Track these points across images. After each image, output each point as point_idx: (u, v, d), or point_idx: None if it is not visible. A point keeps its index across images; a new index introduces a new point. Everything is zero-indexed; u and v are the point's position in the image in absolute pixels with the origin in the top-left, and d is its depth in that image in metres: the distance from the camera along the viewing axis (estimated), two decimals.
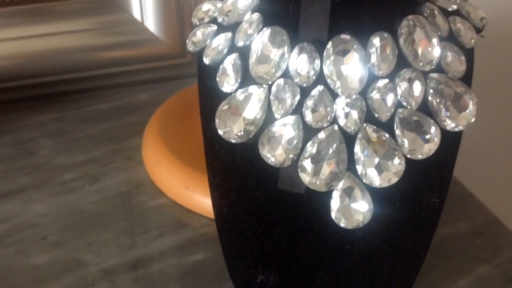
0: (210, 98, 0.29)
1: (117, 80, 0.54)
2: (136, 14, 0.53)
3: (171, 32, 0.53)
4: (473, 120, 0.27)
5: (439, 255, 0.38)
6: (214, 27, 0.30)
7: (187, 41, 0.31)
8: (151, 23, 0.53)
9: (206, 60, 0.29)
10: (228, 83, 0.28)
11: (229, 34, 0.29)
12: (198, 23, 0.31)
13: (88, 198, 0.43)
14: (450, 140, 0.28)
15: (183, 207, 0.42)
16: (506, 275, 0.37)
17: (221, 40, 0.29)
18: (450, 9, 0.29)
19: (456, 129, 0.27)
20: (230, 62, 0.28)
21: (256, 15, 0.28)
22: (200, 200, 0.41)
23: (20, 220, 0.41)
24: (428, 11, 0.27)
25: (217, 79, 0.29)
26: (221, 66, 0.29)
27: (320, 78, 0.27)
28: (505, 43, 0.61)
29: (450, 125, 0.27)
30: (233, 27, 0.29)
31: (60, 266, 0.37)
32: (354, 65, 0.26)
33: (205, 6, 0.31)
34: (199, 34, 0.31)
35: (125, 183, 0.44)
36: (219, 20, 0.30)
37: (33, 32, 0.51)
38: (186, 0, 0.52)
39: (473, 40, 0.29)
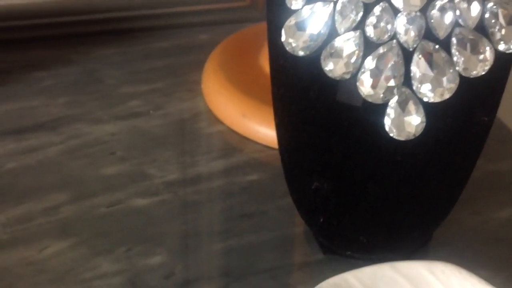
0: (277, 15, 0.31)
1: (178, 20, 0.57)
2: None
3: None
4: None
5: (483, 188, 0.40)
6: None
7: None
8: None
9: None
10: (295, 0, 0.30)
11: None
12: None
13: (152, 122, 0.46)
14: (503, 61, 0.29)
15: (239, 134, 0.45)
16: None
17: None
18: None
19: (509, 51, 0.29)
20: None
21: None
22: (256, 128, 0.44)
23: (90, 137, 0.44)
24: None
25: None
26: None
27: None
28: None
29: (503, 46, 0.29)
30: None
31: (127, 177, 0.41)
32: None
33: None
34: None
35: (186, 111, 0.47)
36: None
37: None
38: None
39: None
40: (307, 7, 0.30)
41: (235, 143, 0.44)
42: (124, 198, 0.39)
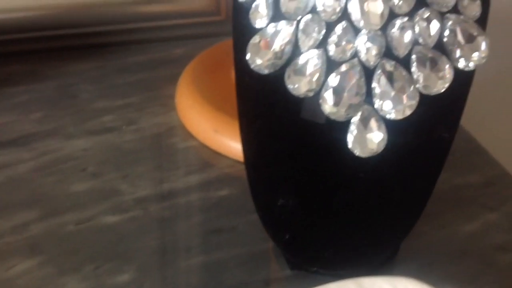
0: (243, 33, 0.32)
1: (154, 34, 0.57)
2: None
3: None
4: (484, 60, 0.29)
5: (449, 202, 0.41)
6: None
7: None
8: None
9: None
10: (260, 19, 0.31)
11: None
12: None
13: (125, 137, 0.46)
14: (463, 79, 0.30)
15: (212, 149, 0.45)
16: None
17: None
18: None
19: (468, 68, 0.29)
20: (263, 0, 0.31)
21: None
22: (228, 143, 0.44)
23: (62, 153, 0.44)
24: None
25: (250, 15, 0.31)
26: (254, 4, 0.31)
27: (345, 14, 0.29)
28: None
29: (462, 64, 0.29)
30: None
31: (97, 194, 0.41)
32: (376, 3, 0.28)
33: None
34: None
35: (159, 126, 0.47)
36: None
37: None
38: None
39: None
40: (271, 25, 0.30)
41: (207, 158, 0.45)
42: (94, 215, 0.39)
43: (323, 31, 0.29)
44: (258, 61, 0.30)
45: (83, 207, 0.40)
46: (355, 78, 0.29)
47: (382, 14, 0.28)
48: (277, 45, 0.30)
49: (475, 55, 0.29)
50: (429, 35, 0.29)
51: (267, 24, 0.31)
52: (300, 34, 0.30)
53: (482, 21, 0.30)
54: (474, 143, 0.46)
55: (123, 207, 0.40)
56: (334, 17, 0.29)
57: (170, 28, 0.57)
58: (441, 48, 0.29)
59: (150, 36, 0.57)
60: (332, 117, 0.29)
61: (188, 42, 0.57)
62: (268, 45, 0.30)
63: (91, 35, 0.55)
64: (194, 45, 0.57)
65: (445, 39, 0.29)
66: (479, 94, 0.65)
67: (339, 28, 0.29)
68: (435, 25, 0.29)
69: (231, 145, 0.44)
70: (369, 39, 0.29)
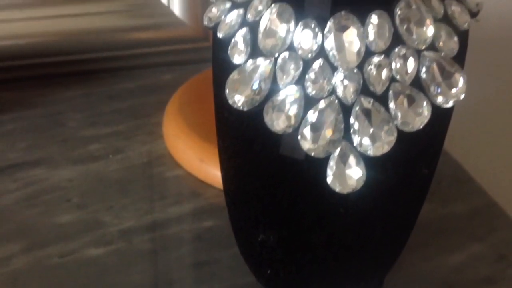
0: (222, 69, 0.32)
1: (142, 61, 0.57)
2: None
3: (195, 16, 0.56)
4: (462, 97, 0.29)
5: (435, 232, 0.40)
6: (228, 4, 0.33)
7: (204, 16, 0.34)
8: (177, 8, 0.56)
9: (220, 34, 0.32)
10: (238, 55, 0.31)
11: (241, 10, 0.32)
12: (214, 0, 0.34)
13: (111, 166, 0.46)
14: (441, 115, 0.30)
15: (198, 178, 0.45)
16: (499, 253, 0.39)
17: (234, 16, 0.32)
18: None
19: (446, 105, 0.29)
20: (241, 36, 0.31)
21: None
22: (213, 172, 0.44)
23: (47, 183, 0.44)
24: None
25: (228, 51, 0.31)
26: (232, 40, 0.31)
27: (322, 52, 0.29)
28: (500, 27, 0.63)
29: (440, 100, 0.29)
30: (245, 4, 0.32)
31: (81, 225, 0.41)
32: (352, 41, 0.28)
33: None
34: (214, 10, 0.33)
35: (146, 155, 0.47)
36: None
37: (66, 12, 0.54)
38: None
39: (467, 23, 0.31)
40: (250, 61, 0.30)
41: (193, 188, 0.44)
42: (78, 247, 0.39)
43: (301, 68, 0.29)
44: (237, 97, 0.30)
45: (67, 239, 0.39)
46: (333, 115, 0.29)
47: (358, 52, 0.28)
48: (255, 82, 0.30)
49: (453, 92, 0.29)
50: (406, 72, 0.29)
51: (246, 60, 0.31)
52: (277, 71, 0.30)
53: (460, 58, 0.30)
54: (461, 171, 0.46)
55: (107, 239, 0.39)
56: (311, 55, 0.29)
57: (158, 54, 0.57)
58: (419, 85, 0.29)
59: (139, 62, 0.57)
60: (311, 153, 0.29)
61: (176, 68, 0.58)
62: (247, 81, 0.30)
63: (79, 62, 0.55)
64: (182, 71, 0.57)
65: (422, 76, 0.29)
66: (467, 122, 0.65)
67: (316, 65, 0.29)
68: (411, 63, 0.29)
69: (217, 174, 0.43)
70: (346, 77, 0.29)
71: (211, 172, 0.44)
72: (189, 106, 0.49)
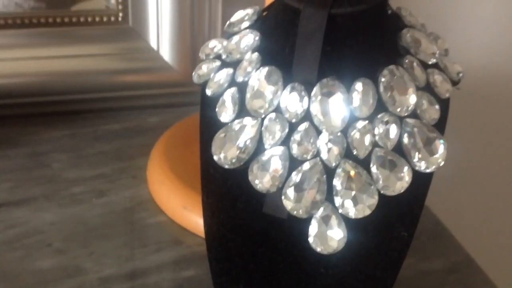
0: (209, 126, 0.32)
1: (130, 103, 0.58)
2: (153, 43, 0.56)
3: (183, 61, 0.57)
4: (442, 163, 0.30)
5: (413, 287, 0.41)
6: (218, 63, 0.34)
7: (193, 73, 0.34)
8: (166, 52, 0.56)
9: (208, 92, 0.33)
10: (226, 113, 0.32)
11: (230, 70, 0.32)
12: (204, 58, 0.35)
13: (94, 210, 0.46)
14: (421, 180, 0.31)
15: (180, 225, 0.45)
16: None
17: (223, 75, 0.33)
18: (429, 62, 0.32)
19: (427, 171, 0.30)
20: (229, 95, 0.32)
21: (255, 55, 0.31)
22: (196, 220, 0.44)
23: (29, 226, 0.44)
24: (407, 62, 0.31)
25: (216, 109, 0.32)
26: (221, 98, 0.32)
27: (307, 115, 0.30)
28: (480, 95, 0.65)
29: (421, 166, 0.30)
30: (235, 64, 0.32)
31: (61, 271, 0.40)
32: (337, 106, 0.29)
33: (212, 43, 0.35)
34: (204, 68, 0.34)
35: (129, 200, 0.47)
36: (223, 57, 0.33)
37: (56, 53, 0.55)
38: (200, 33, 0.56)
39: (448, 92, 0.32)
40: (237, 121, 0.31)
41: (175, 235, 0.45)
42: None
43: (286, 130, 0.30)
44: (222, 155, 0.31)
45: (46, 286, 0.39)
46: (317, 177, 0.30)
47: (343, 117, 0.29)
48: (241, 141, 0.31)
49: (433, 158, 0.30)
50: (389, 138, 0.30)
51: (233, 119, 0.31)
52: (264, 132, 0.30)
53: (440, 124, 0.31)
54: (440, 226, 0.46)
55: (87, 287, 0.39)
56: (297, 118, 0.30)
57: (145, 97, 0.58)
58: (401, 150, 0.30)
59: (125, 104, 0.57)
60: (294, 213, 0.30)
61: (163, 111, 0.58)
62: (233, 140, 0.31)
63: (66, 102, 0.56)
64: (169, 114, 0.57)
65: (404, 142, 0.30)
66: (447, 179, 0.67)
67: (302, 128, 0.30)
68: (394, 129, 0.30)
69: (200, 222, 0.43)
70: (330, 140, 0.30)
71: (193, 219, 0.44)
72: (174, 151, 0.49)
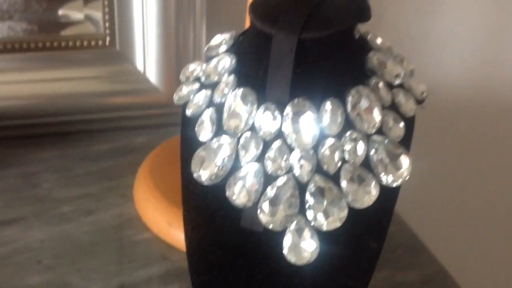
0: (189, 145, 0.34)
1: (117, 124, 0.59)
2: (139, 66, 0.58)
3: (169, 83, 0.59)
4: (407, 177, 0.32)
5: None
6: (197, 85, 0.36)
7: (174, 95, 0.36)
8: (152, 75, 0.58)
9: (188, 112, 0.35)
10: (204, 133, 0.33)
11: (208, 92, 0.34)
12: (184, 80, 0.37)
13: (82, 228, 0.47)
14: (388, 193, 0.32)
15: (166, 242, 0.47)
16: None
17: (202, 97, 0.34)
18: (395, 83, 0.34)
19: (393, 185, 0.32)
20: (207, 116, 0.33)
21: (231, 77, 0.33)
22: (181, 236, 0.45)
23: (19, 244, 0.46)
24: (373, 83, 0.33)
25: (195, 129, 0.34)
26: (200, 118, 0.34)
27: (280, 133, 0.32)
28: (443, 113, 0.68)
29: (387, 180, 0.32)
30: (213, 86, 0.34)
31: (51, 287, 0.42)
32: (308, 125, 0.31)
33: (192, 67, 0.37)
34: (184, 90, 0.36)
35: (116, 218, 0.49)
36: (202, 79, 0.35)
37: (46, 76, 0.57)
38: (185, 56, 0.58)
39: (412, 110, 0.34)
40: (215, 139, 0.33)
41: (160, 251, 0.46)
42: None
43: (261, 148, 0.32)
44: (201, 172, 0.33)
45: None
46: (290, 191, 0.32)
47: (313, 135, 0.31)
48: (219, 159, 0.32)
49: (399, 173, 0.32)
50: (356, 154, 0.32)
51: (211, 138, 0.33)
52: (240, 149, 0.32)
53: (406, 141, 0.33)
54: (415, 240, 0.48)
55: None
56: (270, 136, 0.32)
57: (132, 118, 0.59)
58: (368, 166, 0.32)
59: (113, 125, 0.59)
60: (269, 226, 0.32)
61: (149, 131, 0.60)
62: (211, 158, 0.33)
63: (55, 124, 0.58)
64: (155, 135, 0.59)
65: (371, 158, 0.32)
66: (423, 194, 0.69)
67: (275, 146, 0.32)
68: (361, 146, 0.32)
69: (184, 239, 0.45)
70: (302, 157, 0.31)
71: (178, 236, 0.46)
72: (160, 170, 0.51)
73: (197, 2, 0.57)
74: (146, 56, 0.58)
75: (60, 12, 0.57)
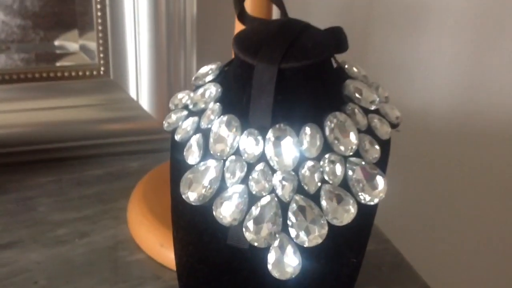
0: (178, 168, 0.36)
1: (112, 149, 0.62)
2: (133, 94, 0.61)
3: (162, 110, 0.61)
4: (383, 196, 0.34)
5: None
6: (185, 112, 0.38)
7: (164, 121, 0.39)
8: (145, 102, 0.61)
9: (177, 138, 0.37)
10: (192, 156, 0.36)
11: (196, 118, 0.37)
12: (173, 108, 0.39)
13: (77, 250, 0.49)
14: (366, 211, 0.35)
15: (158, 262, 0.48)
16: None
17: (190, 123, 0.37)
18: (371, 108, 0.36)
19: (370, 203, 0.34)
20: (195, 141, 0.36)
21: (217, 105, 0.36)
22: (172, 256, 0.47)
23: (17, 266, 0.47)
24: (350, 109, 0.35)
25: (184, 153, 0.36)
26: (188, 143, 0.36)
27: (263, 156, 0.34)
28: (417, 136, 0.71)
29: (365, 199, 0.34)
30: (200, 113, 0.37)
31: None
32: (289, 148, 0.33)
33: (180, 95, 0.39)
34: (173, 116, 0.38)
35: (110, 239, 0.51)
36: (190, 107, 0.38)
37: (43, 105, 0.59)
38: (176, 85, 0.61)
39: (387, 133, 0.36)
40: (202, 163, 0.35)
41: (153, 271, 0.48)
42: None
43: (245, 170, 0.34)
44: (190, 193, 0.35)
45: None
46: (273, 211, 0.34)
47: (294, 157, 0.33)
48: (206, 181, 0.35)
49: (375, 192, 0.34)
50: (335, 175, 0.34)
51: (199, 162, 0.35)
52: (225, 172, 0.34)
53: (382, 162, 0.35)
54: (399, 258, 0.50)
55: None
56: (254, 159, 0.34)
57: (126, 144, 0.62)
58: (347, 185, 0.34)
59: (108, 151, 0.61)
60: (254, 243, 0.34)
61: (143, 157, 0.62)
62: (199, 180, 0.35)
63: (51, 150, 0.60)
64: (148, 160, 0.61)
65: (349, 178, 0.34)
66: (407, 214, 0.71)
67: (258, 168, 0.34)
68: (339, 167, 0.34)
69: None
70: (284, 178, 0.34)
71: (170, 256, 0.48)
72: (152, 193, 0.53)
73: (188, 34, 0.59)
74: (139, 85, 0.60)
75: (56, 42, 0.59)
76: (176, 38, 0.59)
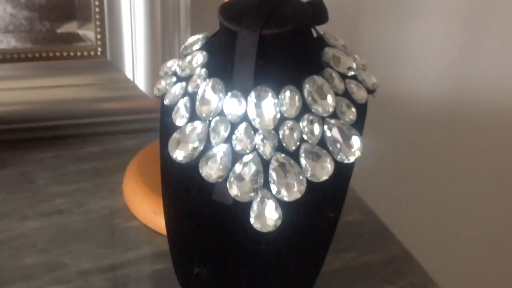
0: (166, 130, 0.39)
1: (109, 128, 0.64)
2: (129, 74, 0.63)
3: None
4: (359, 155, 0.36)
5: (356, 277, 0.47)
6: (174, 78, 0.40)
7: (154, 87, 0.41)
8: (141, 82, 0.63)
9: (166, 102, 0.39)
10: (180, 119, 0.38)
11: (183, 83, 0.39)
12: (163, 75, 0.42)
13: (74, 217, 0.52)
14: (343, 169, 0.37)
15: (151, 229, 0.51)
16: None
17: (178, 88, 0.39)
18: (348, 74, 0.39)
19: (346, 161, 0.36)
20: (182, 104, 0.38)
21: (203, 70, 0.38)
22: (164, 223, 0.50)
23: (15, 231, 0.50)
24: (327, 73, 0.37)
25: (172, 115, 0.38)
26: (176, 106, 0.38)
27: (245, 117, 0.36)
28: (407, 123, 0.73)
29: (342, 157, 0.36)
30: (187, 78, 0.39)
31: (44, 267, 0.46)
32: (269, 109, 0.36)
33: (169, 63, 0.42)
34: (163, 83, 0.41)
35: (106, 208, 0.53)
36: (178, 73, 0.40)
37: (42, 84, 0.61)
38: None
39: (364, 98, 0.38)
40: (189, 124, 0.37)
41: (146, 237, 0.50)
42: (40, 285, 0.44)
43: (229, 130, 0.36)
44: (177, 152, 0.37)
45: (30, 279, 0.45)
46: (255, 167, 0.36)
47: (274, 117, 0.36)
48: (192, 140, 0.37)
49: (351, 150, 0.36)
50: (313, 134, 0.36)
51: (186, 123, 0.38)
52: (211, 132, 0.37)
53: (359, 124, 0.38)
54: (381, 226, 0.52)
55: (65, 279, 0.45)
56: (237, 119, 0.36)
57: (122, 122, 0.64)
58: (324, 144, 0.36)
59: (105, 129, 0.64)
60: (238, 199, 0.36)
61: (138, 135, 0.64)
62: (186, 140, 0.37)
63: (51, 128, 0.62)
64: (143, 138, 0.64)
65: (327, 138, 0.36)
66: (390, 185, 0.74)
67: (241, 128, 0.36)
68: (317, 127, 0.36)
69: None
70: (265, 137, 0.36)
71: (163, 223, 0.50)
72: (147, 166, 0.55)
73: (182, 15, 0.62)
74: (135, 65, 0.63)
75: (58, 31, 0.62)
76: (170, 20, 0.61)
